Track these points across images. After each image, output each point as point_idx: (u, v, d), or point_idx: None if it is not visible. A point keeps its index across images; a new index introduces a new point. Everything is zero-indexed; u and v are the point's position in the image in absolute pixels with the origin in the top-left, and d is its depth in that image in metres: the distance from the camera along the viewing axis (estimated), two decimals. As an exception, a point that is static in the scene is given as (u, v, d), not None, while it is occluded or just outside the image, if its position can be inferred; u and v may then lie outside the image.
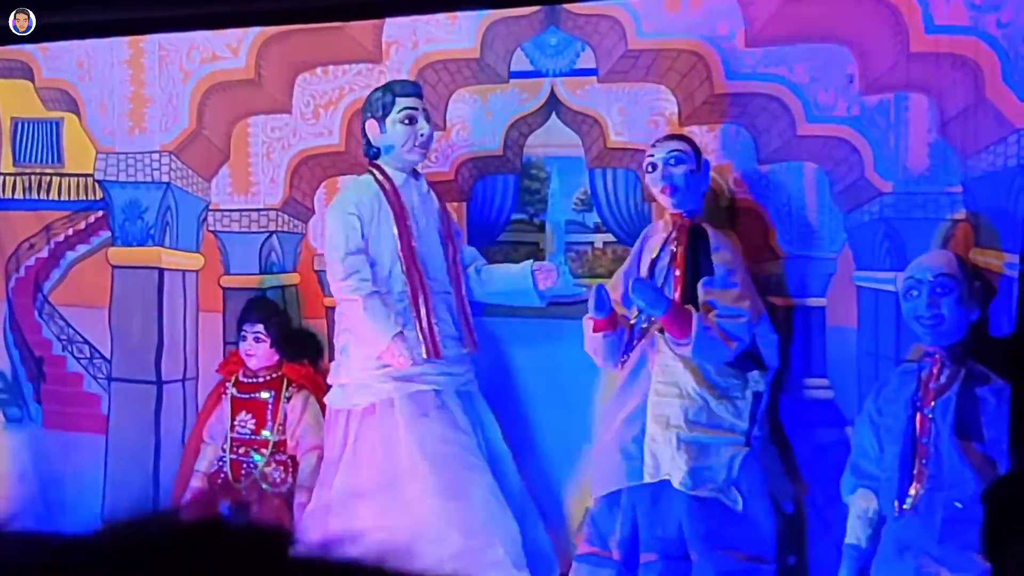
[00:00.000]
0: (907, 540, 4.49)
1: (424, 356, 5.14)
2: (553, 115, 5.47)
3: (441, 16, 5.59)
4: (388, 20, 5.68)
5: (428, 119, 5.23)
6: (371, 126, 5.23)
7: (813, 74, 5.03)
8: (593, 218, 5.43)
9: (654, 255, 5.03)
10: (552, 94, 5.46)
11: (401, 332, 5.09)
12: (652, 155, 4.99)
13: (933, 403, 4.50)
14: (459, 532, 4.99)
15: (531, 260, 5.33)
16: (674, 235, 5.00)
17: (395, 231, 5.19)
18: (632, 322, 5.04)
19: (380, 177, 5.24)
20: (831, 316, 5.06)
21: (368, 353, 5.16)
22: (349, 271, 5.14)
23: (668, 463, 4.84)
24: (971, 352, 4.53)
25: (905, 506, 4.49)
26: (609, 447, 4.99)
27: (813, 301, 5.09)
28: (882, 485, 4.61)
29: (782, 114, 5.09)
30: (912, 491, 4.48)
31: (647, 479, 4.86)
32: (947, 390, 4.50)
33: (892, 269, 4.85)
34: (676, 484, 4.82)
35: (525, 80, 5.50)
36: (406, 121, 5.18)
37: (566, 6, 5.41)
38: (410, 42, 5.63)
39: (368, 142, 5.27)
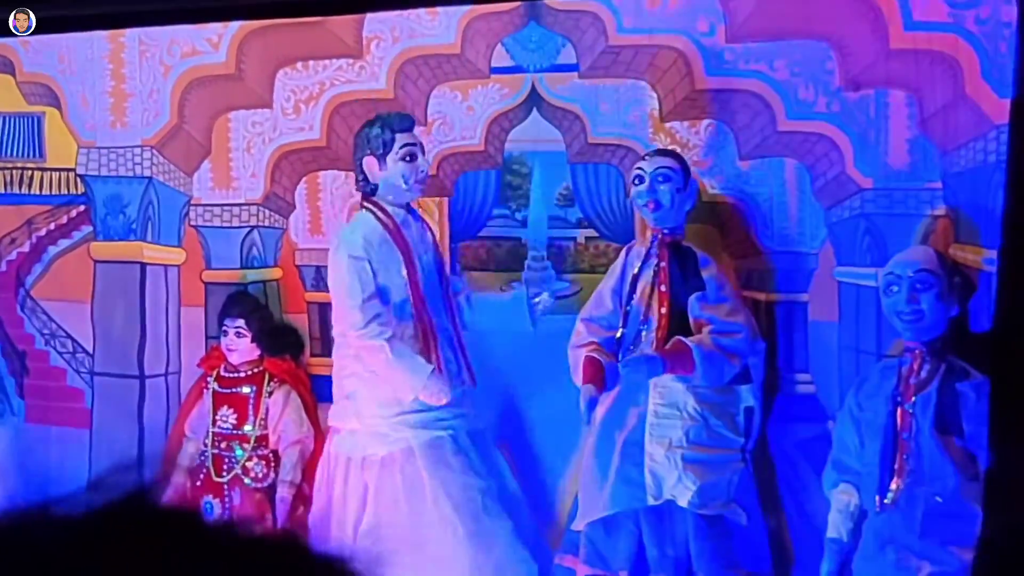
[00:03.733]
0: (888, 534, 4.51)
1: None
2: (534, 110, 5.47)
3: (422, 11, 5.57)
4: (369, 15, 5.66)
5: (424, 152, 5.19)
6: (370, 163, 5.13)
7: (793, 70, 5.04)
8: (575, 213, 5.44)
9: (635, 271, 5.03)
10: (533, 89, 5.46)
11: (434, 368, 5.05)
12: (641, 168, 4.98)
13: (914, 398, 4.52)
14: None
15: (431, 368, 5.13)
16: (655, 251, 5.00)
17: (404, 272, 5.11)
18: (619, 336, 5.03)
19: (381, 215, 5.15)
20: (812, 311, 5.08)
21: (385, 399, 5.10)
22: (368, 317, 5.04)
23: (672, 484, 4.83)
24: (951, 347, 4.55)
25: (886, 501, 4.51)
26: (603, 470, 4.96)
27: (794, 297, 5.11)
28: (863, 480, 4.64)
29: (763, 110, 5.10)
30: (893, 486, 4.50)
31: (650, 501, 4.86)
32: (927, 385, 4.52)
33: (873, 265, 4.87)
34: (684, 503, 4.82)
35: (506, 75, 5.49)
36: (407, 159, 5.10)
37: (547, 2, 5.40)
38: (390, 37, 5.62)
39: (365, 178, 5.17)
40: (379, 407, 5.12)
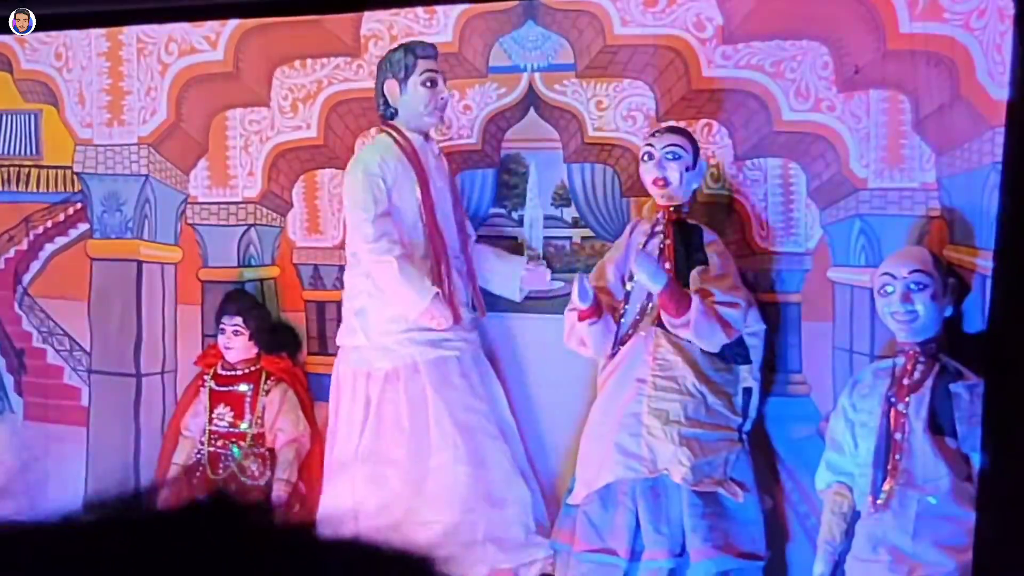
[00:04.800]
0: (881, 535, 4.51)
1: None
2: (531, 110, 5.47)
3: (419, 10, 5.57)
4: (366, 14, 5.66)
5: (445, 82, 5.23)
6: (391, 86, 5.20)
7: (790, 70, 5.04)
8: (571, 213, 5.43)
9: (640, 247, 5.04)
10: (530, 89, 5.46)
11: (439, 292, 5.10)
12: (651, 144, 5.00)
13: (907, 399, 4.53)
14: (484, 499, 5.08)
15: (525, 257, 5.36)
16: (661, 228, 5.01)
17: (418, 194, 5.19)
18: (621, 313, 5.05)
19: (399, 138, 5.22)
20: (806, 312, 5.08)
21: (393, 316, 5.17)
22: (380, 233, 5.11)
23: (667, 458, 4.85)
24: (945, 348, 4.56)
25: (879, 501, 4.52)
26: (602, 441, 4.98)
27: (789, 297, 5.10)
28: (856, 480, 4.64)
29: (759, 110, 5.10)
30: (886, 486, 4.50)
31: (645, 473, 4.88)
32: (921, 386, 4.53)
33: (867, 265, 4.87)
34: (677, 479, 4.83)
35: (503, 75, 5.50)
36: (428, 83, 5.16)
37: (544, 1, 5.40)
38: (388, 36, 5.61)
39: (386, 102, 5.24)
40: (386, 323, 5.18)
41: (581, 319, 5.00)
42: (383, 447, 5.17)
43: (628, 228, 5.18)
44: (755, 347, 4.97)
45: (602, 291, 5.06)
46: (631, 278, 5.03)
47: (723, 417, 4.93)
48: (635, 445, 4.90)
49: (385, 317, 5.19)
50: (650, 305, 5.01)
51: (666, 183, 4.95)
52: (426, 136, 5.31)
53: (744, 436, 4.98)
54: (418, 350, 5.18)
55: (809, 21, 5.00)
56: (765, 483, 5.05)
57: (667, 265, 4.95)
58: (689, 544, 4.83)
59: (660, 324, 4.97)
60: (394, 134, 5.24)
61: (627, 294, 5.06)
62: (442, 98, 5.20)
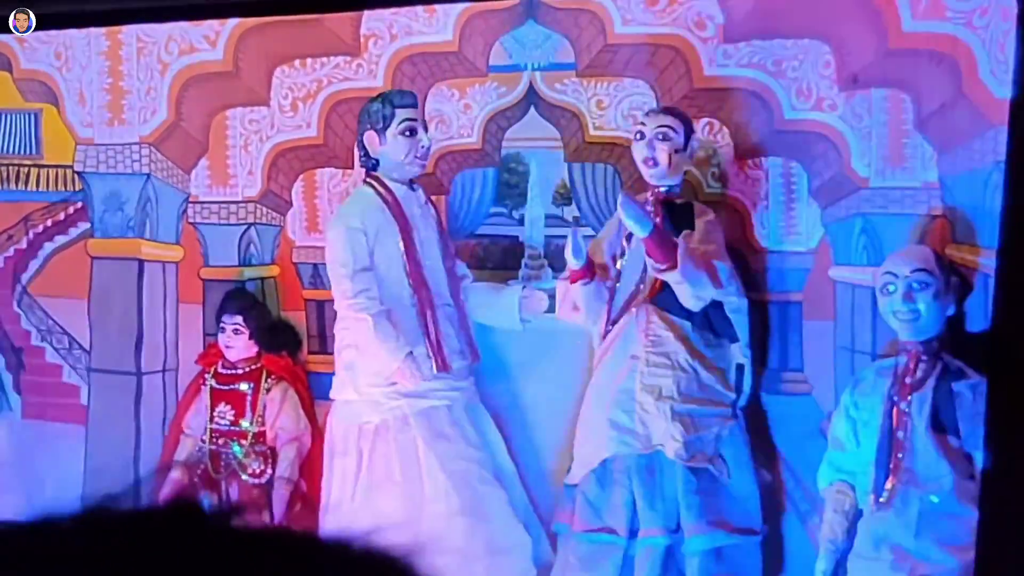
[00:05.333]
0: (883, 534, 4.52)
1: (434, 371, 5.15)
2: (532, 109, 5.47)
3: (419, 9, 5.56)
4: (366, 13, 5.65)
5: (426, 129, 5.23)
6: (370, 138, 5.19)
7: (792, 69, 5.04)
8: (572, 212, 5.43)
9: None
10: (531, 88, 5.46)
11: (411, 352, 5.09)
12: (643, 124, 5.01)
13: (909, 397, 4.53)
14: (482, 548, 5.06)
15: (521, 286, 5.32)
16: (651, 207, 4.98)
17: (401, 246, 5.17)
18: (613, 291, 5.04)
19: (381, 190, 5.20)
20: (808, 311, 5.08)
21: (377, 370, 5.15)
22: (358, 289, 5.11)
23: (661, 433, 4.87)
24: (947, 347, 4.56)
25: (881, 500, 4.52)
26: (597, 419, 5.00)
27: (790, 296, 5.10)
28: (858, 479, 4.64)
29: (761, 109, 5.09)
30: (888, 485, 4.51)
31: (639, 448, 4.89)
32: (923, 385, 4.53)
33: (869, 264, 4.87)
34: (671, 455, 4.84)
35: (503, 74, 5.49)
36: (407, 133, 5.15)
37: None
38: (388, 35, 5.61)
39: (367, 153, 5.23)
40: (373, 376, 5.17)
41: (574, 280, 5.00)
42: (376, 501, 5.15)
43: (619, 207, 5.14)
44: (740, 323, 4.95)
45: (601, 268, 5.06)
46: (623, 255, 5.03)
47: (716, 392, 4.94)
48: (629, 421, 4.92)
49: (371, 371, 5.17)
50: (642, 285, 5.00)
51: (655, 163, 4.95)
52: (411, 184, 5.28)
53: (739, 412, 4.99)
54: (407, 402, 5.15)
55: (811, 19, 5.00)
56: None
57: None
58: (683, 520, 4.84)
59: (652, 301, 4.97)
60: (376, 185, 5.22)
61: (619, 272, 5.06)
62: (422, 146, 5.19)
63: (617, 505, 4.92)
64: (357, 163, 5.42)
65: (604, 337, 5.08)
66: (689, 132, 5.00)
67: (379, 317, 5.09)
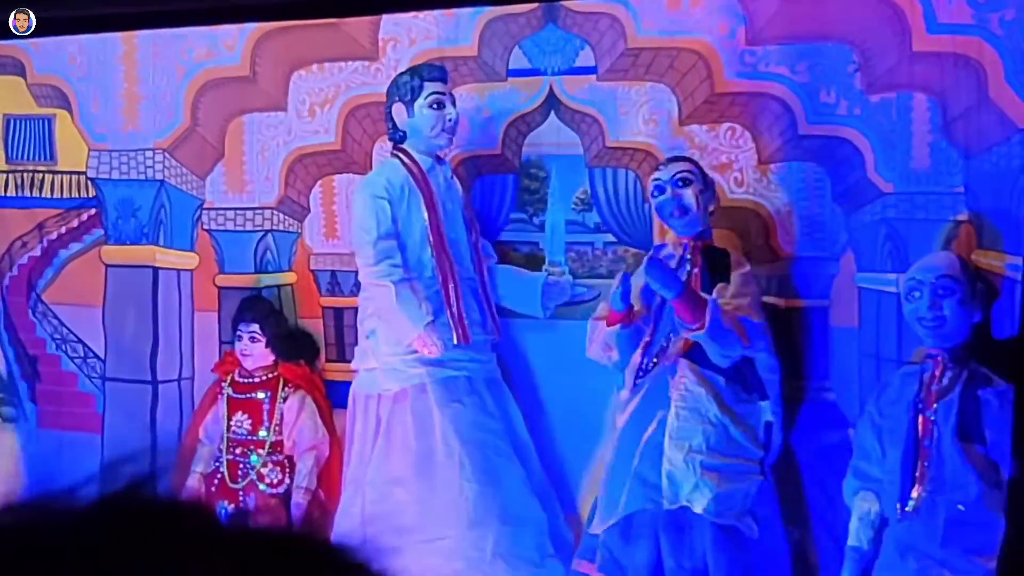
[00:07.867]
0: (909, 542, 4.48)
1: (454, 342, 5.16)
2: (552, 114, 5.44)
3: (438, 13, 5.55)
4: (385, 17, 5.63)
5: (454, 104, 5.23)
6: (398, 109, 5.22)
7: (815, 73, 5.00)
8: (593, 218, 5.39)
9: (648, 256, 5.00)
10: (551, 93, 5.43)
11: (432, 321, 5.10)
12: (658, 177, 4.96)
13: (935, 405, 4.49)
14: (494, 515, 5.06)
15: (545, 272, 5.34)
16: (688, 257, 4.95)
17: (425, 216, 5.19)
18: (648, 340, 4.99)
19: (407, 161, 5.23)
20: (833, 317, 5.04)
21: (398, 338, 5.17)
22: (380, 256, 5.13)
23: (689, 490, 4.80)
24: (973, 354, 4.52)
25: (907, 508, 4.48)
26: (622, 470, 4.93)
27: (815, 302, 5.06)
28: (884, 487, 4.60)
29: (783, 114, 5.06)
30: (914, 493, 4.47)
31: (665, 505, 4.83)
32: (949, 392, 4.49)
33: (894, 270, 4.84)
34: (699, 510, 4.78)
35: (523, 78, 5.46)
36: (434, 106, 5.17)
37: (565, 3, 5.37)
38: (407, 39, 5.59)
39: (394, 125, 5.25)
40: (394, 344, 5.19)
41: (611, 323, 4.97)
42: (392, 467, 5.17)
43: (649, 253, 5.10)
44: (771, 382, 4.90)
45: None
46: (660, 304, 4.97)
47: (745, 449, 4.88)
48: (655, 476, 4.86)
49: (392, 339, 5.20)
50: (674, 336, 4.94)
51: (685, 210, 4.90)
52: (438, 159, 5.31)
53: (767, 469, 4.94)
54: (427, 371, 5.18)
55: (833, 23, 4.97)
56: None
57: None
58: None
59: (686, 355, 4.91)
60: (403, 157, 5.25)
61: (654, 323, 5.01)
62: (450, 120, 5.20)
63: (641, 560, 4.87)
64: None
65: (634, 385, 5.02)
66: (703, 172, 4.96)
67: (401, 285, 5.11)
